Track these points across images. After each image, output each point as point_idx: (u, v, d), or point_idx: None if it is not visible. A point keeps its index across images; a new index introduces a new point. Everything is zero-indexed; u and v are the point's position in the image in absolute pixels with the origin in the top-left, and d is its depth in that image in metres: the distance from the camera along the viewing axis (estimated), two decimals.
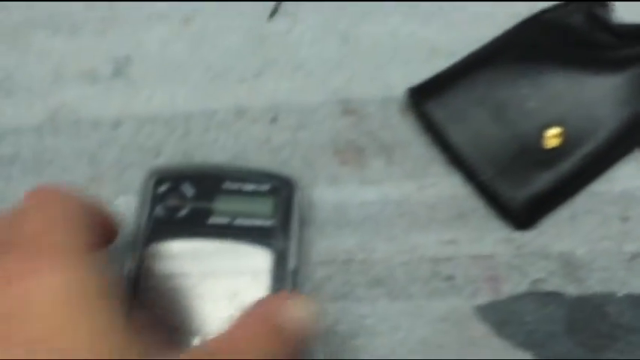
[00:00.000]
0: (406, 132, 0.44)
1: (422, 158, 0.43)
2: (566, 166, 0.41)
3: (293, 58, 0.46)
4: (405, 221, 0.41)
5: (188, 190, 0.38)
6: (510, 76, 0.42)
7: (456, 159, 0.42)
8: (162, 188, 0.38)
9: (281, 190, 0.38)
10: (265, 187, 0.38)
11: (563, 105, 0.42)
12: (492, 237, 0.41)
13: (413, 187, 0.42)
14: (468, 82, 0.43)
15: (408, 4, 0.47)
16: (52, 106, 0.45)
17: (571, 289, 0.39)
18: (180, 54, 0.47)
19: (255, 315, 0.30)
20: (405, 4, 0.47)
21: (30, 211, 0.29)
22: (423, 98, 0.43)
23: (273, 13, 0.47)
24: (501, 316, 0.39)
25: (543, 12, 0.45)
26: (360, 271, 0.40)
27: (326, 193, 0.42)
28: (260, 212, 0.38)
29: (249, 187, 0.38)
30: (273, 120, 0.44)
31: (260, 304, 0.30)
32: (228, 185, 0.38)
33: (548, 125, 0.41)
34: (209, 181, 0.39)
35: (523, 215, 0.40)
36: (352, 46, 0.46)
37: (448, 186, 0.42)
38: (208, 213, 0.38)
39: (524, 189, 0.40)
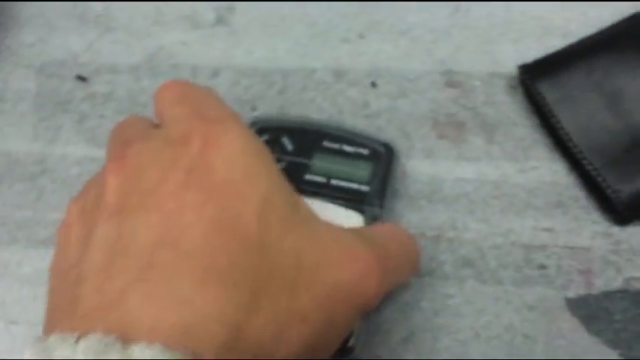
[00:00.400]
0: (511, 111, 0.42)
1: (525, 140, 0.41)
2: None
3: (400, 22, 0.45)
4: (501, 203, 0.40)
5: (287, 143, 0.38)
6: (631, 63, 0.40)
7: (562, 144, 0.40)
8: (262, 139, 0.37)
9: (380, 157, 0.38)
10: (365, 151, 0.38)
11: None
12: (590, 229, 0.39)
13: (513, 168, 0.41)
14: (585, 66, 0.41)
15: None
16: (151, 48, 0.45)
17: None
18: (284, 7, 0.46)
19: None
20: None
21: (181, 94, 0.32)
22: (535, 77, 0.41)
23: None
24: (591, 311, 0.38)
25: None
26: (449, 250, 0.39)
27: (421, 166, 0.41)
28: (357, 176, 0.37)
29: (349, 148, 0.38)
30: (373, 85, 0.43)
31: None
32: (327, 144, 0.38)
33: None
34: (309, 138, 0.38)
35: (626, 210, 0.39)
36: (462, 16, 0.45)
37: (550, 172, 0.41)
38: (305, 169, 0.37)
39: (630, 184, 0.39)
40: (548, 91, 0.40)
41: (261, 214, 0.26)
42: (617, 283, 0.38)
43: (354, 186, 0.37)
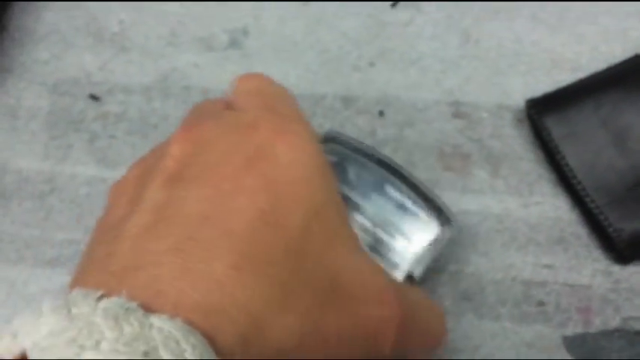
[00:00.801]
0: (517, 144, 0.42)
1: (530, 174, 0.42)
2: None
3: (410, 51, 0.45)
4: (503, 238, 0.40)
5: (349, 172, 0.36)
6: (639, 101, 0.40)
7: (566, 180, 0.40)
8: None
9: (436, 230, 0.36)
10: (425, 215, 0.36)
11: None
12: (591, 267, 0.39)
13: (516, 203, 0.41)
14: (593, 102, 0.41)
15: (535, 9, 0.45)
16: (164, 69, 0.46)
17: None
18: (296, 33, 0.46)
19: None
20: (532, 10, 0.45)
21: (253, 85, 0.34)
22: (542, 112, 0.41)
23: (396, 1, 0.46)
24: (589, 349, 0.38)
25: None
26: (450, 283, 0.39)
27: None
28: (404, 237, 0.36)
29: (410, 204, 0.36)
30: (381, 113, 0.44)
31: None
32: (390, 190, 0.36)
33: None
34: (373, 175, 0.36)
35: (627, 250, 0.39)
36: (472, 47, 0.45)
37: (553, 208, 0.41)
38: (356, 207, 0.35)
39: (633, 223, 0.39)
40: (555, 127, 0.41)
41: (309, 221, 0.26)
42: (615, 322, 0.38)
43: (399, 246, 0.35)
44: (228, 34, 0.46)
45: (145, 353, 0.20)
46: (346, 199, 0.35)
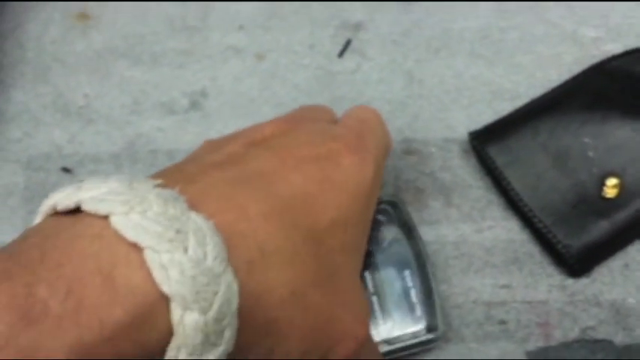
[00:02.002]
0: (466, 174, 0.45)
1: (480, 201, 0.44)
2: (622, 216, 0.41)
3: (359, 96, 0.48)
4: (461, 263, 0.43)
5: (380, 239, 0.41)
6: (573, 124, 0.43)
7: (514, 204, 0.43)
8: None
9: (426, 334, 0.39)
10: (422, 316, 0.39)
11: (624, 155, 0.42)
12: (546, 283, 0.42)
13: (470, 229, 0.43)
14: (531, 128, 0.44)
15: (474, 44, 0.48)
16: (130, 136, 0.48)
17: (620, 338, 0.40)
18: (252, 89, 0.49)
19: None
20: (470, 47, 0.48)
21: (363, 114, 0.39)
22: (485, 142, 0.44)
23: (343, 51, 0.49)
24: None
25: (610, 59, 0.46)
26: None
27: None
28: (397, 323, 0.40)
29: (415, 299, 0.40)
30: None
31: None
32: (408, 276, 0.41)
33: (608, 175, 0.42)
34: (398, 256, 0.41)
35: (577, 264, 0.41)
36: (417, 86, 0.48)
37: (505, 230, 0.43)
38: (368, 265, 0.40)
39: (580, 237, 0.41)
40: (498, 155, 0.43)
41: (337, 225, 0.32)
42: (574, 334, 0.41)
43: (381, 322, 0.39)
44: (188, 97, 0.49)
45: (178, 231, 0.24)
46: (369, 254, 0.39)
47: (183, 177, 0.29)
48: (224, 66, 0.50)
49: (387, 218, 0.41)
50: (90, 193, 0.25)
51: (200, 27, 0.51)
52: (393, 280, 0.40)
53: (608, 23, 0.48)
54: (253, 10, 0.51)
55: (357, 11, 0.50)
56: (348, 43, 0.49)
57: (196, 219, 0.25)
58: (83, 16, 0.52)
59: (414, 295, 0.39)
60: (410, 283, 0.39)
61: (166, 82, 0.50)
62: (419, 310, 0.39)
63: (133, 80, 0.50)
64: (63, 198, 0.25)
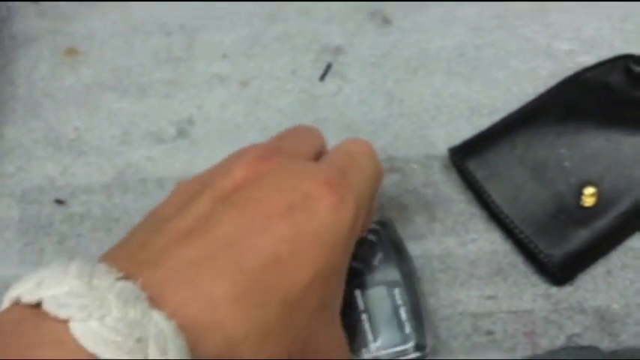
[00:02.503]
0: (448, 189, 0.46)
1: (463, 215, 0.45)
2: (601, 224, 0.42)
3: (341, 118, 0.49)
4: (447, 277, 0.44)
5: (376, 259, 0.41)
6: (549, 136, 0.44)
7: (495, 216, 0.44)
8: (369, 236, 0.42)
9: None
10: (412, 336, 0.39)
11: (600, 164, 0.43)
12: (531, 292, 0.43)
13: (454, 242, 0.44)
14: (508, 142, 0.45)
15: (451, 63, 0.49)
16: (120, 166, 0.49)
17: (606, 343, 0.41)
18: (237, 115, 0.50)
19: None
20: (448, 65, 0.49)
21: (352, 147, 0.37)
22: (464, 157, 0.45)
23: (324, 74, 0.50)
24: None
25: (584, 71, 0.47)
26: None
27: None
28: (387, 340, 0.40)
29: (404, 316, 0.40)
30: None
31: None
32: (397, 297, 0.41)
33: (585, 184, 0.43)
34: (392, 270, 0.41)
35: (560, 272, 0.42)
36: (397, 106, 0.49)
37: (488, 242, 0.44)
38: (362, 285, 0.41)
39: (561, 247, 0.42)
40: (477, 169, 0.44)
41: (314, 283, 0.29)
42: (560, 341, 0.42)
43: (370, 340, 0.39)
44: (176, 126, 0.50)
45: (138, 340, 0.23)
46: (359, 273, 0.40)
47: (146, 257, 0.28)
48: (209, 94, 0.51)
49: (376, 238, 0.42)
50: (51, 291, 0.24)
51: (185, 57, 0.52)
52: (383, 298, 0.40)
53: (581, 36, 0.49)
54: (236, 39, 0.53)
55: (336, 36, 0.52)
56: (328, 67, 0.50)
57: (158, 321, 0.24)
58: (72, 52, 0.54)
59: (403, 312, 0.40)
60: (399, 301, 0.40)
61: (154, 112, 0.51)
62: (408, 328, 0.39)
63: (121, 112, 0.51)
64: (25, 293, 0.25)
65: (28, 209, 0.49)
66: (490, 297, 0.43)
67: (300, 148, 0.36)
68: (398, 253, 0.41)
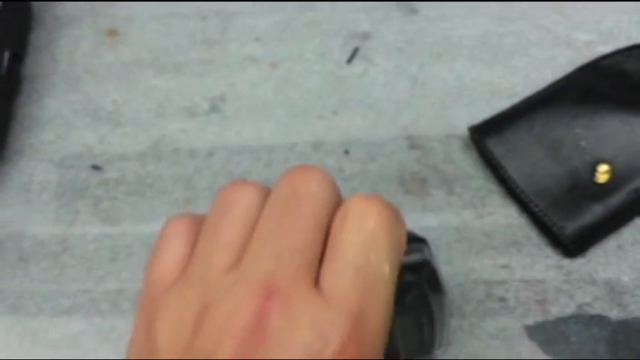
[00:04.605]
0: (467, 166, 0.48)
1: (481, 190, 0.47)
2: (614, 200, 0.44)
3: (366, 98, 0.51)
4: (463, 246, 0.45)
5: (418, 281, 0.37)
6: (566, 116, 0.46)
7: (512, 191, 0.46)
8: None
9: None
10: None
11: (614, 144, 0.45)
12: (544, 263, 0.44)
13: (471, 215, 0.46)
14: (526, 122, 0.47)
15: (473, 49, 0.52)
16: (155, 137, 0.52)
17: (615, 313, 0.42)
18: (267, 94, 0.53)
19: None
20: (470, 50, 0.52)
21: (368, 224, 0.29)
22: (484, 135, 0.47)
23: (351, 57, 0.53)
24: (548, 335, 0.42)
25: (601, 58, 0.49)
26: None
27: None
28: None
29: (427, 330, 0.37)
30: (346, 152, 0.49)
31: None
32: (422, 315, 0.37)
33: (599, 162, 0.45)
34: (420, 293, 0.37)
35: (572, 244, 0.44)
36: (420, 88, 0.51)
37: (504, 216, 0.46)
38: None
39: (574, 220, 0.44)
40: (496, 147, 0.46)
41: None
42: (570, 310, 0.43)
43: None
44: (209, 102, 0.53)
45: None
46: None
47: None
48: (241, 74, 0.54)
49: (414, 278, 0.36)
50: None
51: (219, 39, 0.55)
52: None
53: (600, 28, 0.51)
54: (268, 24, 0.55)
55: (364, 23, 0.54)
56: (355, 51, 0.53)
57: None
58: (112, 32, 0.57)
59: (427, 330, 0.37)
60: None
61: (188, 89, 0.54)
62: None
63: (157, 88, 0.54)
64: None
65: (65, 174, 0.51)
66: (504, 266, 0.45)
67: (306, 254, 0.28)
68: (433, 292, 0.37)
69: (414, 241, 0.37)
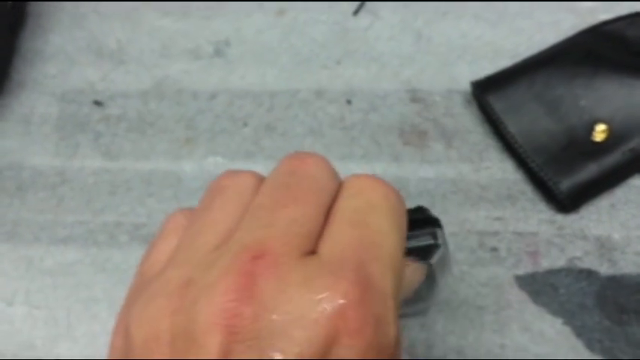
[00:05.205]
0: (467, 121, 0.49)
1: (479, 144, 0.48)
2: (609, 159, 0.45)
3: (370, 50, 0.52)
4: (459, 197, 0.46)
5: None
6: (567, 76, 0.47)
7: (510, 147, 0.47)
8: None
9: None
10: None
11: (612, 105, 0.46)
12: (537, 217, 0.45)
13: (468, 168, 0.47)
14: (528, 80, 0.47)
15: (478, 9, 0.52)
16: (158, 76, 0.52)
17: (604, 269, 0.43)
18: (273, 41, 0.53)
19: None
20: (475, 9, 0.52)
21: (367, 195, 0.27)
22: (485, 91, 0.48)
23: (357, 10, 0.53)
24: (538, 286, 0.43)
25: (603, 23, 0.50)
26: None
27: (389, 169, 0.47)
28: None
29: None
30: (348, 102, 0.50)
31: None
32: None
33: (597, 121, 0.45)
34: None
35: (567, 199, 0.45)
36: (424, 44, 0.52)
37: (501, 170, 0.47)
38: None
39: (569, 176, 0.45)
40: (496, 102, 0.47)
41: None
42: (561, 262, 0.44)
43: None
44: (213, 45, 0.53)
45: None
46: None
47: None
48: (247, 19, 0.54)
49: (425, 262, 0.35)
50: None
51: None
52: None
53: None
54: None
55: None
56: (362, 3, 0.53)
57: None
58: None
59: None
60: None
61: (193, 32, 0.54)
62: None
63: (162, 29, 0.54)
64: None
65: (66, 108, 0.51)
66: (497, 218, 0.45)
67: (300, 228, 0.25)
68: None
69: (427, 222, 0.35)
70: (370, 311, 0.22)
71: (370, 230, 0.25)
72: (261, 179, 0.28)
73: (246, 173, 0.29)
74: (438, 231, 0.35)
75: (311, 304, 0.22)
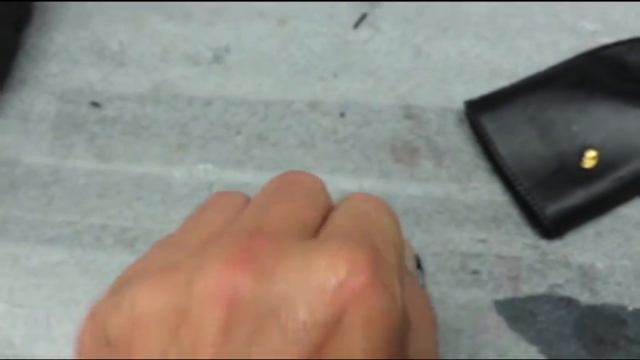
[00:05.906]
0: (458, 140, 0.48)
1: (469, 165, 0.47)
2: (598, 186, 0.44)
3: (368, 64, 0.52)
4: (444, 217, 0.46)
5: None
6: (561, 100, 0.47)
7: (499, 168, 0.46)
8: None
9: None
10: None
11: (604, 131, 0.45)
12: (521, 242, 0.45)
13: (456, 188, 0.47)
14: (522, 101, 0.47)
15: (480, 27, 0.52)
16: (156, 80, 0.53)
17: (585, 297, 0.43)
18: (271, 49, 0.53)
19: None
20: (477, 29, 0.52)
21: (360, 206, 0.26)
22: (478, 110, 0.48)
23: (358, 23, 0.53)
24: (517, 312, 0.43)
25: (603, 47, 0.49)
26: None
27: (377, 184, 0.47)
28: None
29: None
30: (342, 115, 0.50)
31: None
32: None
33: (588, 148, 0.45)
34: None
35: (551, 226, 0.44)
36: (423, 60, 0.51)
37: (488, 192, 0.47)
38: None
39: (556, 201, 0.44)
40: (489, 123, 0.47)
41: None
42: (541, 289, 0.44)
43: None
44: (213, 51, 0.53)
45: None
46: None
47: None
48: (248, 26, 0.54)
49: None
50: None
51: None
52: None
53: (607, 19, 0.51)
54: None
55: None
56: (363, 17, 0.53)
57: None
58: None
59: None
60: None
61: (194, 37, 0.54)
62: None
63: (164, 32, 0.54)
64: None
65: (64, 107, 0.52)
66: (481, 240, 0.45)
67: (297, 217, 0.25)
68: None
69: None
70: (377, 275, 0.21)
71: (371, 218, 0.25)
72: (249, 199, 0.27)
73: (239, 194, 0.28)
74: (420, 273, 0.35)
75: (314, 272, 0.21)
